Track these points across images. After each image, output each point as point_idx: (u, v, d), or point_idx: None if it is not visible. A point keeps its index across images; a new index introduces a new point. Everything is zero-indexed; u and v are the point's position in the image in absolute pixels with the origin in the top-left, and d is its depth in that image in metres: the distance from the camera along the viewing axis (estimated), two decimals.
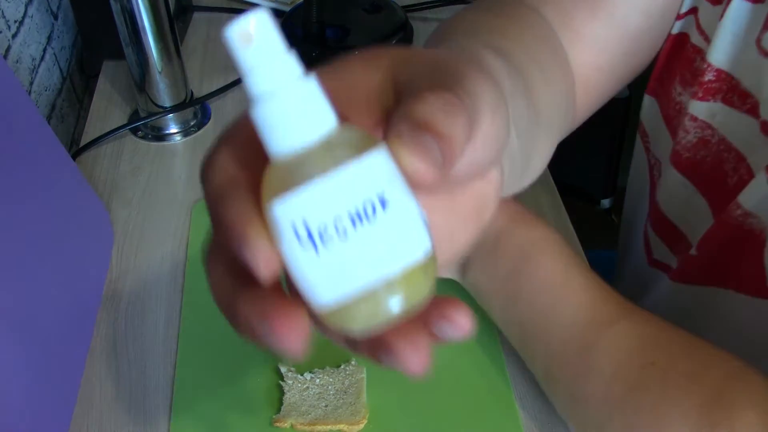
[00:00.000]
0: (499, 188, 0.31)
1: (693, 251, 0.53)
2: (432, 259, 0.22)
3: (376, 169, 0.20)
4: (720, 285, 0.53)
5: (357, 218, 0.20)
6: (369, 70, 0.26)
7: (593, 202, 1.33)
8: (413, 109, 0.22)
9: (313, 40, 0.82)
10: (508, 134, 0.28)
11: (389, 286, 0.21)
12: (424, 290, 0.22)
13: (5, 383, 0.42)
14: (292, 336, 0.21)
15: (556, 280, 0.45)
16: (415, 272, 0.21)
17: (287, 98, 0.20)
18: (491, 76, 0.27)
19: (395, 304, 0.21)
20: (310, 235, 0.20)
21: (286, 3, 0.89)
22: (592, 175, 1.27)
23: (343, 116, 0.22)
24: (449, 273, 0.51)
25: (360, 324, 0.22)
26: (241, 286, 0.22)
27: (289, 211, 0.20)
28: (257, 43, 0.20)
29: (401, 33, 0.83)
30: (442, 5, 0.90)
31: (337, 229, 0.20)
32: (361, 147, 0.21)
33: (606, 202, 1.35)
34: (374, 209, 0.20)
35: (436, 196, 0.27)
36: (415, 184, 0.21)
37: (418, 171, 0.21)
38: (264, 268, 0.21)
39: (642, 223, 0.63)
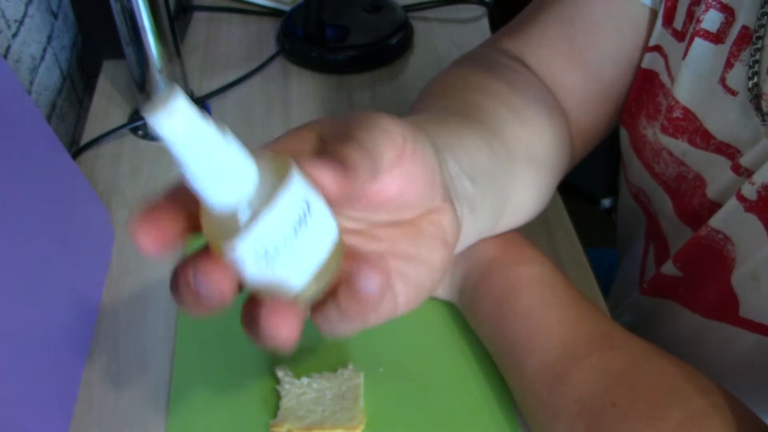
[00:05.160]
0: (455, 219, 0.37)
1: (667, 267, 0.54)
2: (340, 232, 0.29)
3: (298, 188, 0.26)
4: (678, 302, 0.55)
5: (297, 228, 0.26)
6: (304, 137, 0.33)
7: (593, 201, 1.33)
8: (319, 153, 0.29)
9: (313, 40, 0.82)
10: (436, 162, 0.35)
11: (329, 258, 0.28)
12: (342, 253, 0.29)
13: (5, 383, 0.43)
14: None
15: (533, 314, 0.46)
16: (337, 244, 0.29)
17: (217, 166, 0.24)
18: (412, 128, 0.34)
19: (330, 271, 0.29)
20: (267, 256, 0.26)
21: (286, 3, 0.89)
22: (592, 175, 1.27)
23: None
24: (448, 296, 0.52)
25: (310, 294, 0.29)
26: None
27: (250, 243, 0.26)
28: (182, 120, 0.23)
29: (401, 33, 0.83)
30: (442, 5, 0.90)
31: (285, 243, 0.26)
32: (281, 170, 0.26)
33: (606, 202, 1.35)
34: (306, 217, 0.27)
35: (398, 228, 0.35)
36: (328, 196, 0.28)
37: (326, 182, 0.28)
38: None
39: (639, 234, 0.64)
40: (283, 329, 0.27)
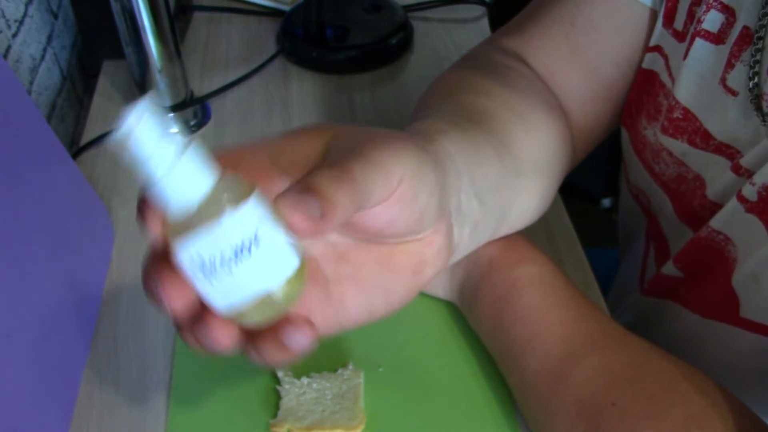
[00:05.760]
0: (442, 250, 0.37)
1: (668, 267, 0.54)
2: (301, 270, 0.29)
3: (248, 216, 0.27)
4: (678, 302, 0.55)
5: (238, 253, 0.27)
6: (313, 140, 0.33)
7: (593, 201, 1.33)
8: (306, 178, 0.29)
9: (313, 40, 0.82)
10: (431, 201, 0.35)
11: (269, 296, 0.28)
12: (296, 292, 0.30)
13: (5, 383, 0.43)
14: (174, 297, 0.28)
15: (534, 313, 0.46)
16: (289, 282, 0.29)
17: (172, 178, 0.26)
18: (421, 153, 0.34)
19: (274, 307, 0.29)
20: (203, 267, 0.27)
21: (286, 3, 0.89)
22: (592, 175, 1.27)
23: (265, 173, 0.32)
24: (448, 295, 0.52)
25: (250, 321, 0.29)
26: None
27: (187, 249, 0.27)
28: (138, 140, 0.25)
29: (401, 33, 0.83)
30: (442, 5, 0.90)
31: (222, 263, 0.27)
32: (238, 194, 0.27)
33: (606, 202, 1.35)
34: (250, 246, 0.27)
35: (372, 253, 0.35)
36: (297, 233, 0.28)
37: (294, 222, 0.28)
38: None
39: (640, 234, 0.64)
40: (219, 337, 0.29)
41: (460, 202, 0.40)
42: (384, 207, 0.32)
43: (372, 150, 0.32)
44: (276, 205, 0.28)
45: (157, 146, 0.25)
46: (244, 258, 0.27)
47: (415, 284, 0.37)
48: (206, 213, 0.27)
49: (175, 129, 0.26)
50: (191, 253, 0.27)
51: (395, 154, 0.32)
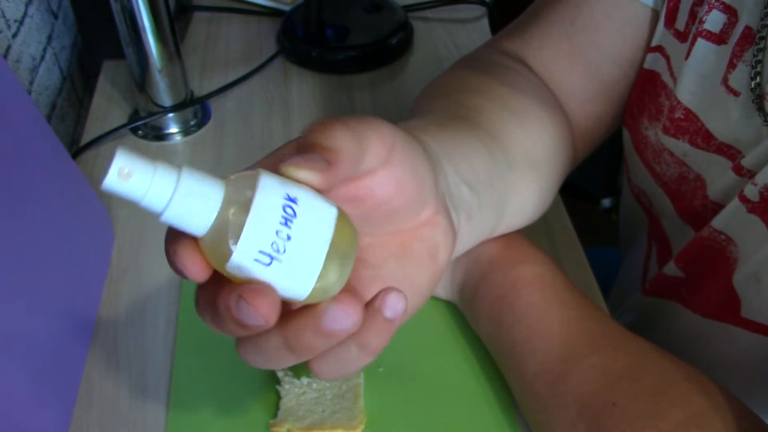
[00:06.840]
0: (449, 232, 0.37)
1: (669, 267, 0.54)
2: (342, 214, 0.29)
3: (271, 184, 0.27)
4: (680, 302, 0.55)
5: (288, 219, 0.27)
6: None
7: (593, 201, 1.33)
8: (300, 138, 0.30)
9: (313, 40, 0.82)
10: (427, 168, 0.36)
11: (332, 247, 0.28)
12: (351, 233, 0.29)
13: (5, 383, 0.43)
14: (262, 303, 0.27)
15: (534, 313, 0.46)
16: (340, 224, 0.29)
17: (181, 202, 0.26)
18: (405, 135, 0.35)
19: (342, 254, 0.29)
20: (265, 255, 0.27)
21: (286, 3, 0.89)
22: (592, 175, 1.28)
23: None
24: (448, 295, 0.52)
25: (341, 282, 0.29)
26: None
27: (244, 253, 0.26)
28: (135, 175, 0.25)
29: (401, 33, 0.83)
30: (442, 5, 0.90)
31: (280, 236, 0.27)
32: (251, 182, 0.27)
33: (606, 202, 1.35)
34: (291, 206, 0.27)
35: (386, 248, 0.36)
36: (315, 186, 0.28)
37: (306, 177, 0.28)
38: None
39: (641, 234, 0.64)
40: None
41: (449, 185, 0.40)
42: (389, 169, 0.33)
43: (360, 116, 0.33)
44: (283, 172, 0.28)
45: (149, 186, 0.25)
46: (295, 220, 0.27)
47: (434, 270, 0.37)
48: (237, 211, 0.27)
49: (160, 162, 0.26)
50: (250, 250, 0.26)
51: (382, 120, 0.34)
